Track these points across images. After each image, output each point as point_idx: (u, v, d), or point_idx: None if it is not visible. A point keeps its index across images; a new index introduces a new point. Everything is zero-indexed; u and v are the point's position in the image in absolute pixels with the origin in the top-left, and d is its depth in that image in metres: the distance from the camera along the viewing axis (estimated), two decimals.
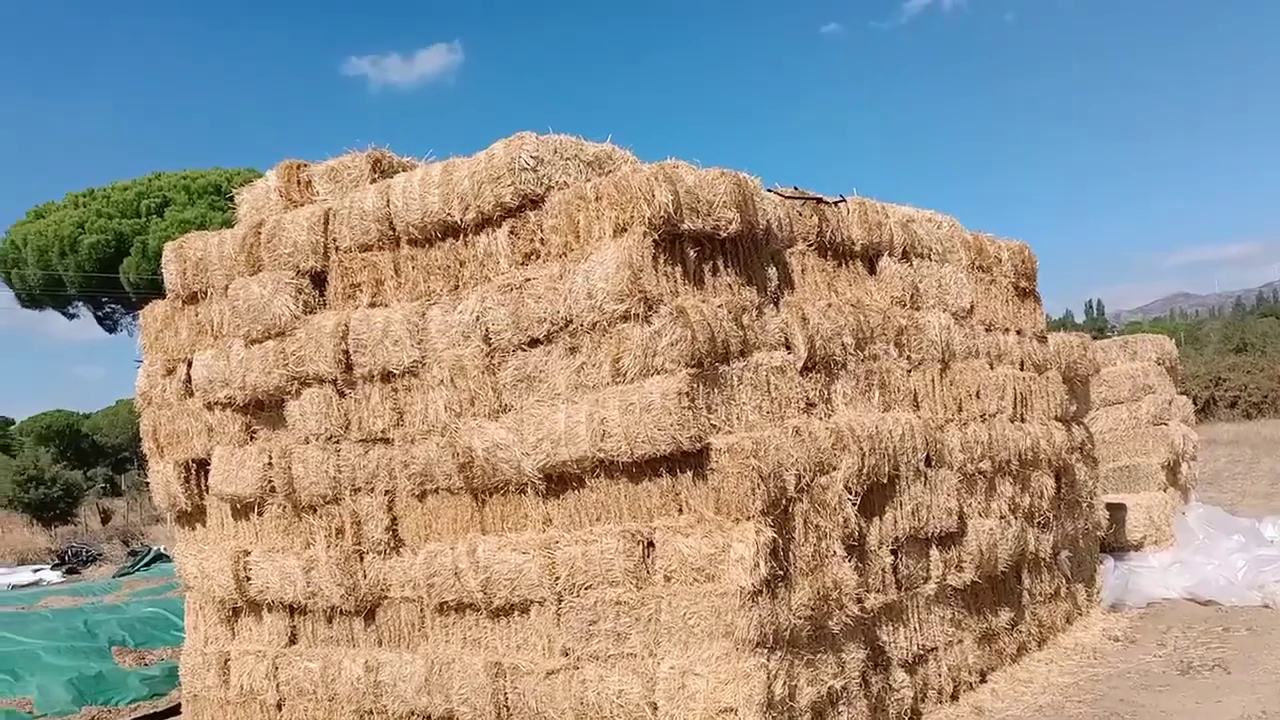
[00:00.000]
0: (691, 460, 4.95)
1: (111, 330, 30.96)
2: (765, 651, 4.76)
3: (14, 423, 46.45)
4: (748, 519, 4.80)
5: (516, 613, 5.50)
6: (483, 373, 5.51)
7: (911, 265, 6.93)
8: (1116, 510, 10.10)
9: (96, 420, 43.23)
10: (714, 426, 4.94)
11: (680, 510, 5.03)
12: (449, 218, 5.68)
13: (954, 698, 6.24)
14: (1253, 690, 5.97)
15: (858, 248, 6.56)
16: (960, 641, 6.42)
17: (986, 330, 7.44)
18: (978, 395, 6.99)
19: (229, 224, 7.11)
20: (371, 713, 6.10)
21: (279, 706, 6.52)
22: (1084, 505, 8.43)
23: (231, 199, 7.25)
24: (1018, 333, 7.86)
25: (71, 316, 30.50)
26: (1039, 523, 7.52)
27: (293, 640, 6.58)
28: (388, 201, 5.94)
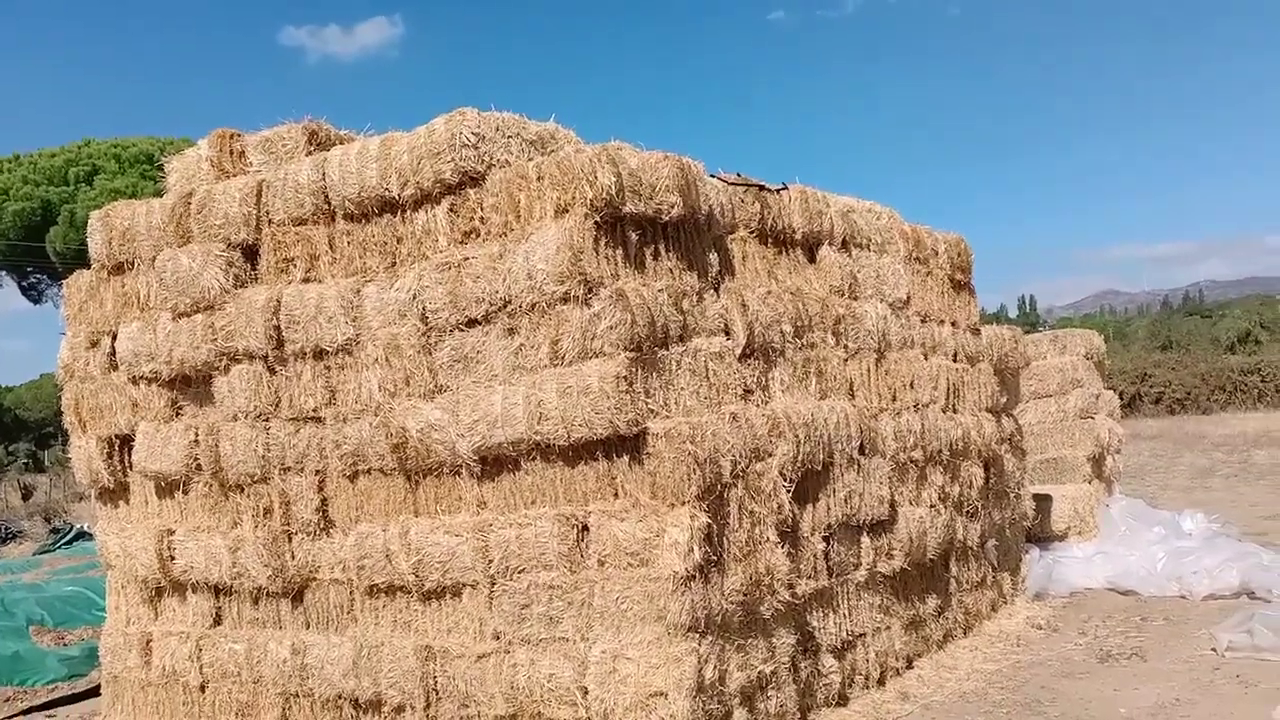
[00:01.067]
0: (628, 445, 4.93)
1: (36, 301, 30.13)
2: (697, 636, 4.77)
3: None
4: (683, 504, 4.80)
5: (448, 596, 5.44)
6: (419, 352, 5.43)
7: (850, 255, 6.97)
8: (1043, 501, 10.32)
9: (19, 394, 42.04)
10: (651, 411, 4.92)
11: (616, 495, 5.02)
12: (387, 193, 5.58)
13: (881, 683, 6.32)
14: (1168, 678, 6.14)
15: (798, 236, 6.58)
16: (888, 628, 6.51)
17: (922, 321, 7.53)
18: (912, 385, 7.07)
19: (160, 194, 6.91)
20: (297, 695, 6.00)
21: (202, 689, 6.39)
22: (1012, 496, 8.59)
23: (163, 168, 7.04)
24: (952, 324, 7.96)
25: None
26: (968, 512, 7.64)
27: (217, 621, 6.45)
28: (324, 175, 5.82)
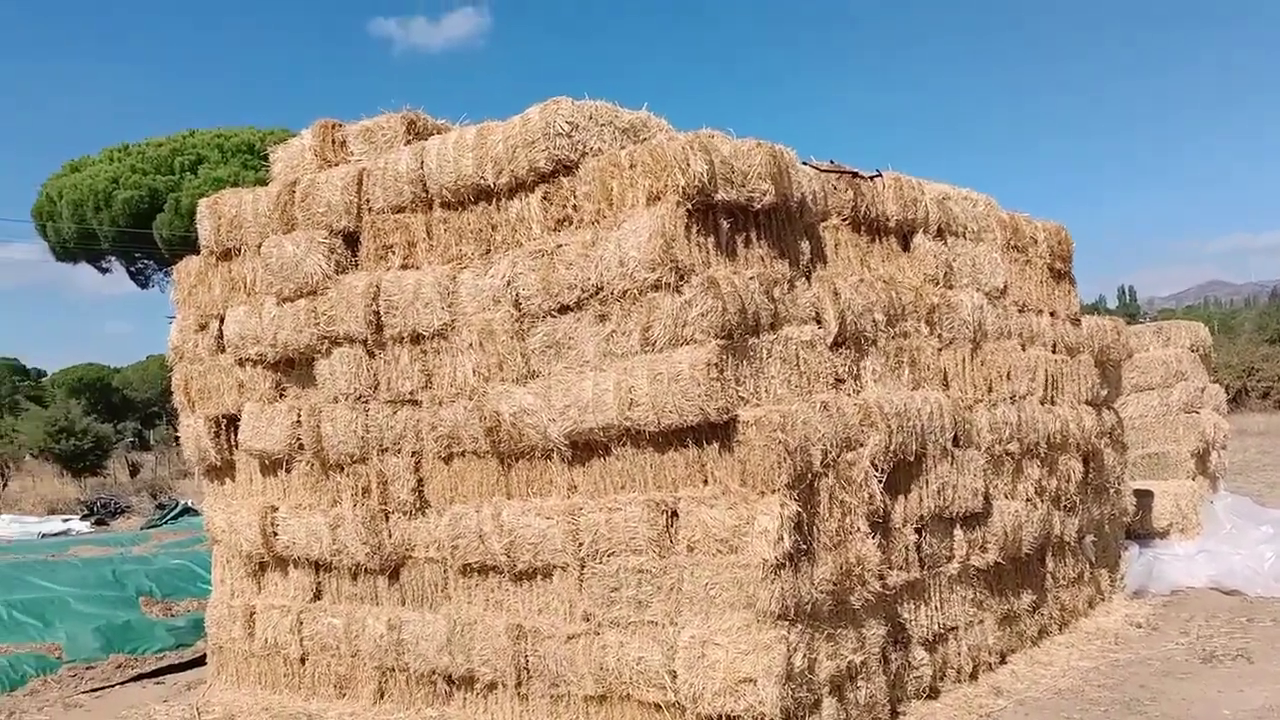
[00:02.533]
0: (718, 432, 4.94)
1: (144, 285, 31.26)
2: (786, 624, 4.77)
3: (46, 374, 47.15)
4: (773, 492, 4.80)
5: (539, 577, 5.53)
6: (512, 338, 5.51)
7: (946, 243, 6.86)
8: (1144, 497, 10.02)
9: (127, 374, 43.77)
10: (742, 399, 4.92)
11: (705, 481, 5.04)
12: (482, 181, 5.67)
13: (973, 677, 6.24)
14: (1276, 680, 5.93)
15: (892, 224, 6.50)
16: (981, 622, 6.41)
17: (1020, 311, 7.37)
18: (1008, 376, 6.93)
19: (261, 182, 7.14)
20: (393, 670, 6.17)
21: (302, 661, 6.62)
22: (1111, 491, 8.37)
23: (264, 157, 7.28)
24: (1051, 314, 7.78)
25: (104, 271, 30.80)
26: (1065, 506, 7.48)
27: (317, 596, 6.66)
28: (422, 163, 5.94)
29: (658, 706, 5.05)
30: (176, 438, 7.71)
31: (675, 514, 5.04)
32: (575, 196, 5.41)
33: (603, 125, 5.48)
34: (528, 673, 5.51)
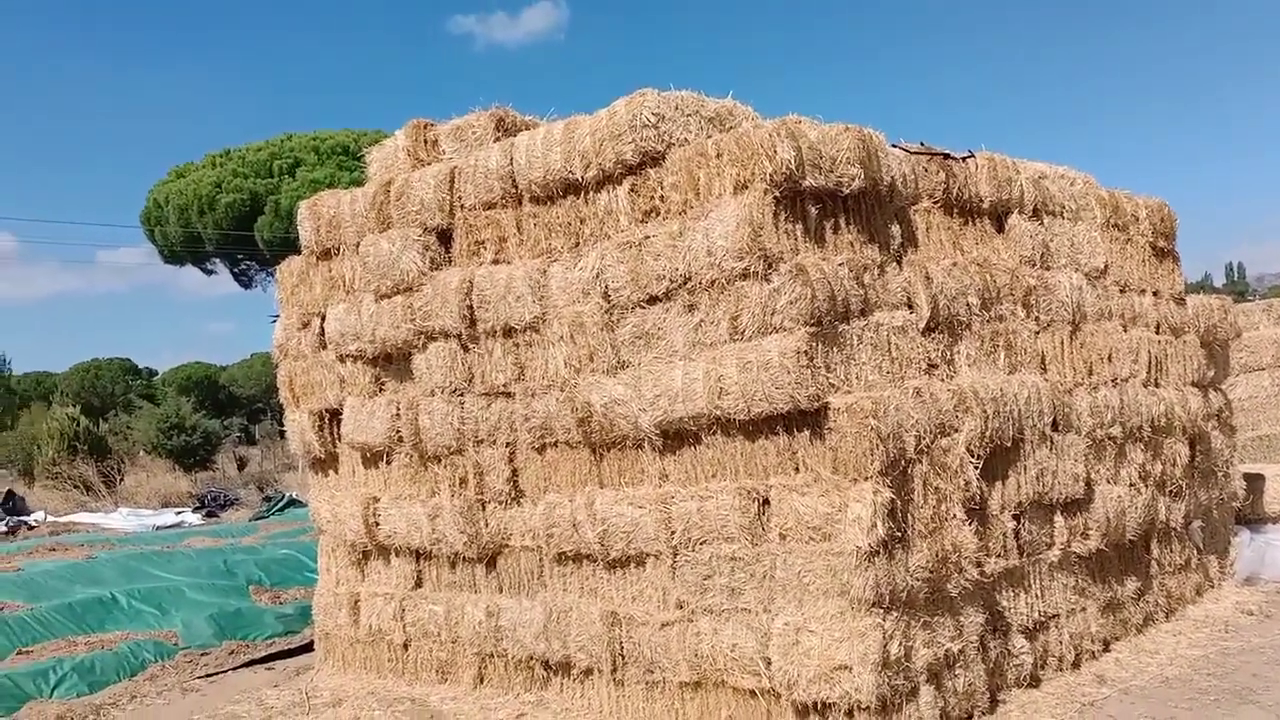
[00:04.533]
0: (809, 419, 4.93)
1: (246, 286, 32.28)
2: (881, 611, 4.75)
3: (156, 374, 49.09)
4: (865, 479, 4.77)
5: (632, 564, 5.60)
6: (602, 329, 5.58)
7: (1042, 223, 6.71)
8: (1254, 481, 9.65)
9: (232, 372, 45.33)
10: (832, 386, 4.90)
11: (796, 469, 5.03)
12: (570, 175, 5.74)
13: (1075, 666, 6.11)
14: None
15: (985, 205, 6.39)
16: (1083, 609, 6.28)
17: (1121, 291, 7.18)
18: (1109, 358, 6.75)
19: (357, 183, 7.34)
20: (492, 656, 6.31)
21: (405, 646, 6.80)
22: (1219, 475, 8.10)
23: (359, 159, 7.48)
24: (1154, 294, 7.55)
25: (209, 272, 31.92)
26: (1170, 491, 7.26)
27: (418, 584, 6.84)
28: (511, 160, 6.04)
29: (753, 693, 5.07)
30: (281, 432, 7.99)
31: (767, 502, 5.05)
32: (662, 187, 5.44)
33: (688, 115, 5.49)
34: (623, 659, 5.58)
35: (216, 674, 7.59)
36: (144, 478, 23.59)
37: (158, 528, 16.44)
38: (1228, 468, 8.29)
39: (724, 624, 5.17)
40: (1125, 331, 7.00)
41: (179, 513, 18.94)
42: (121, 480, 22.52)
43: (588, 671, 5.81)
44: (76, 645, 8.00)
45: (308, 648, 7.92)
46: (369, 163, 7.26)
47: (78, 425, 24.49)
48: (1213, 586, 7.92)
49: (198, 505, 20.33)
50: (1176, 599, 7.36)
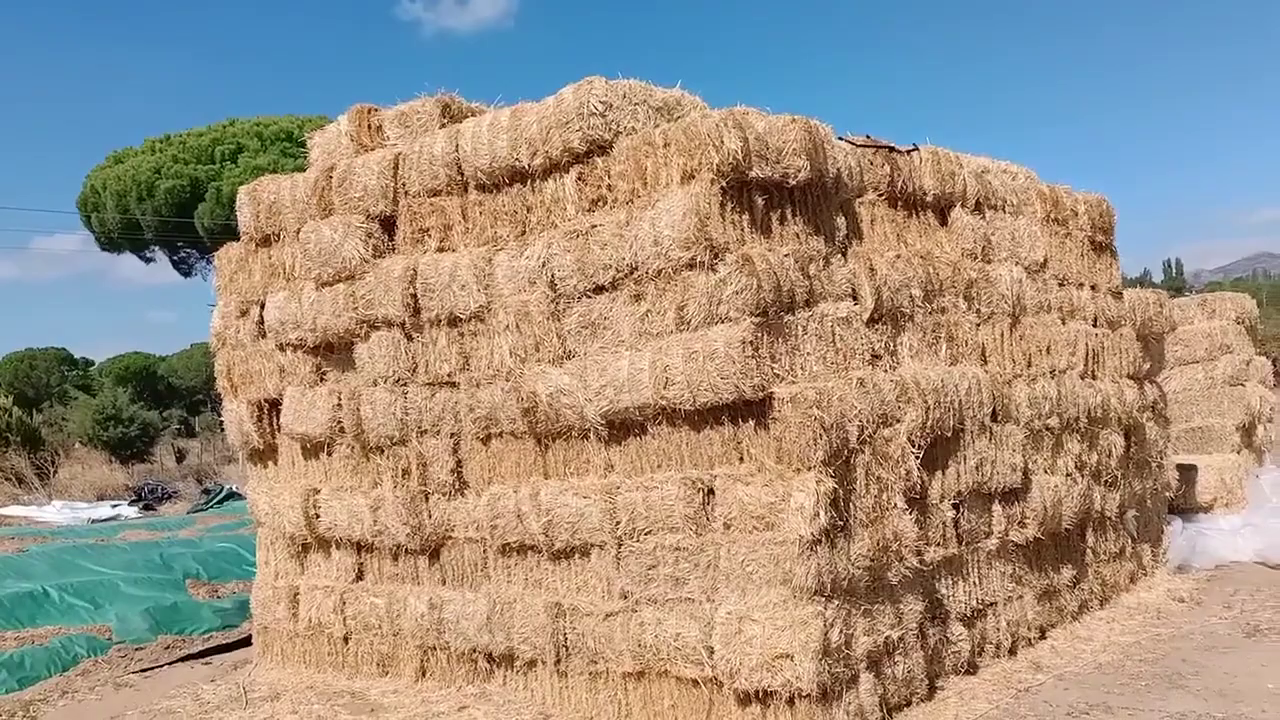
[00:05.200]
0: (754, 409, 4.95)
1: (187, 274, 31.66)
2: (823, 600, 4.78)
3: (93, 364, 48.02)
4: (809, 469, 4.80)
5: (577, 555, 5.58)
6: (548, 319, 5.54)
7: (984, 217, 6.80)
8: (1187, 471, 9.90)
9: (172, 363, 44.46)
10: (777, 376, 4.92)
11: (741, 459, 5.04)
12: (517, 163, 5.70)
13: (1012, 652, 6.21)
14: None
15: (929, 198, 6.45)
16: (1020, 597, 6.38)
17: (1060, 285, 7.29)
18: (1048, 350, 6.87)
19: (300, 170, 7.20)
20: (434, 649, 6.26)
21: (346, 640, 6.72)
22: (1154, 465, 8.29)
23: (303, 145, 7.34)
24: (1092, 288, 7.69)
25: (148, 260, 31.21)
26: (1106, 481, 7.41)
27: (359, 577, 6.76)
28: (456, 146, 5.97)
29: (695, 682, 5.08)
30: (221, 424, 7.85)
31: (711, 492, 5.06)
32: (610, 176, 5.42)
33: (636, 104, 5.47)
34: (567, 650, 5.56)
35: (151, 669, 7.45)
36: (79, 470, 23.09)
37: (93, 521, 16.10)
38: (1161, 458, 8.47)
39: (668, 614, 5.17)
40: (1064, 324, 7.12)
41: (115, 506, 18.57)
42: (56, 473, 22.00)
43: (531, 663, 5.79)
44: (5, 640, 7.80)
45: (246, 642, 7.81)
46: (311, 148, 7.13)
47: (10, 416, 23.87)
48: (1146, 574, 8.10)
49: (134, 498, 19.95)
50: (1111, 587, 7.51)
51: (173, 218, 27.80)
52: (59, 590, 8.68)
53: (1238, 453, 10.92)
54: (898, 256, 5.84)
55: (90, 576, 9.29)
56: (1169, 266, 73.22)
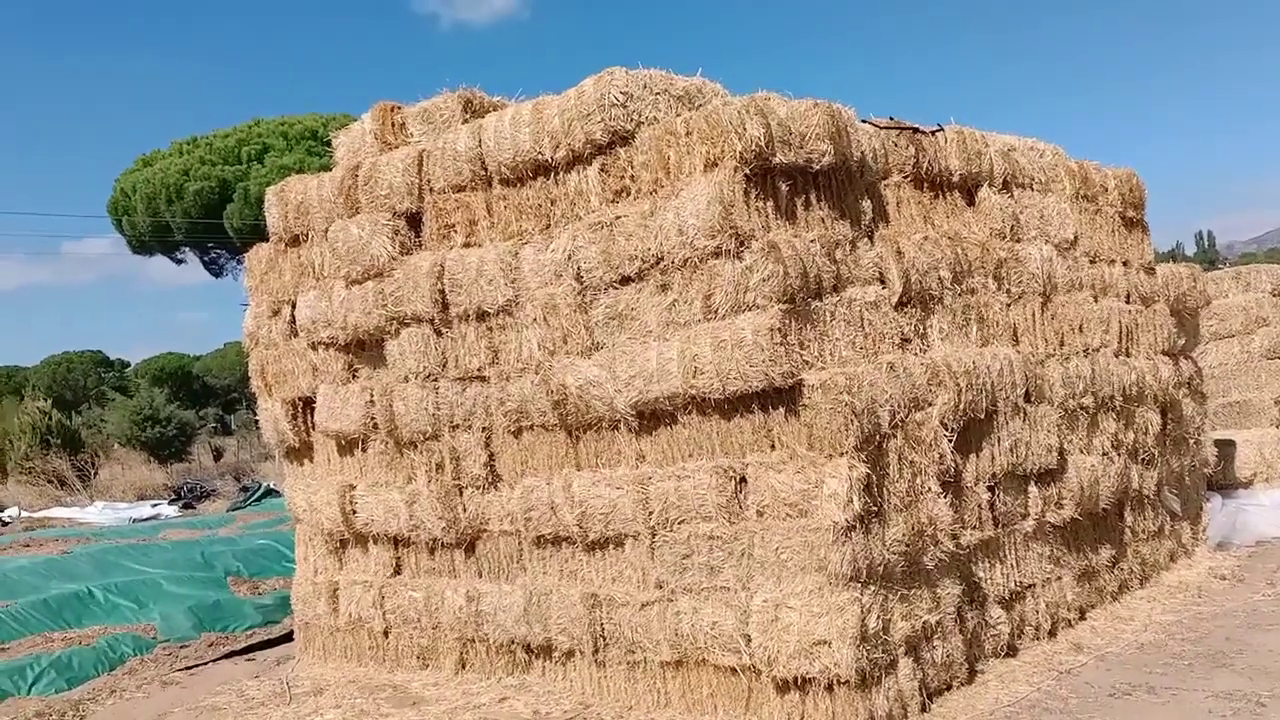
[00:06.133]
0: (784, 396, 4.94)
1: (217, 275, 31.92)
2: (858, 586, 4.77)
3: (129, 365, 48.61)
4: (841, 455, 4.78)
5: (611, 546, 5.60)
6: (575, 311, 5.55)
7: (1012, 196, 6.73)
8: (1225, 447, 9.77)
9: (206, 362, 44.92)
10: (806, 363, 4.91)
11: (773, 446, 5.04)
12: (540, 156, 5.70)
13: (1052, 634, 6.18)
14: None
15: (956, 179, 6.40)
16: (1059, 578, 6.34)
17: (1091, 262, 7.21)
18: (1080, 329, 6.80)
19: (326, 168, 7.25)
20: (473, 640, 6.31)
21: (385, 634, 6.79)
22: (1191, 442, 8.19)
23: (328, 143, 7.39)
24: (1124, 264, 7.60)
25: (179, 261, 31.51)
26: (1143, 459, 7.33)
27: (397, 571, 6.81)
28: (479, 141, 5.99)
29: (733, 670, 5.09)
30: (256, 422, 7.93)
31: (744, 480, 5.06)
32: (633, 167, 5.41)
33: (657, 94, 5.46)
34: (604, 640, 5.58)
35: (196, 666, 7.55)
36: (119, 471, 23.40)
37: (134, 521, 16.33)
38: (1199, 435, 8.37)
39: (703, 603, 5.18)
40: (1096, 302, 7.04)
41: (155, 505, 18.82)
42: (96, 474, 22.32)
43: (569, 654, 5.82)
44: (53, 641, 7.94)
45: (287, 638, 7.89)
46: (336, 147, 7.17)
47: (50, 419, 24.21)
48: (1186, 553, 8.02)
49: (174, 497, 20.22)
50: (1150, 566, 7.44)
51: (202, 219, 28.03)
52: (104, 590, 8.83)
53: (1277, 427, 10.76)
54: (925, 238, 5.80)
55: (134, 576, 9.44)
56: (1201, 239, 72.27)
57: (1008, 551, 5.98)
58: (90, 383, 43.17)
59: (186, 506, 18.93)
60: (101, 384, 43.60)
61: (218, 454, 29.49)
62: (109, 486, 21.71)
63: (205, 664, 7.61)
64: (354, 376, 6.85)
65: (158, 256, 31.36)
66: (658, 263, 5.19)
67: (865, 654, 4.72)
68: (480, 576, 6.34)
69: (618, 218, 5.34)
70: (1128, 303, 7.48)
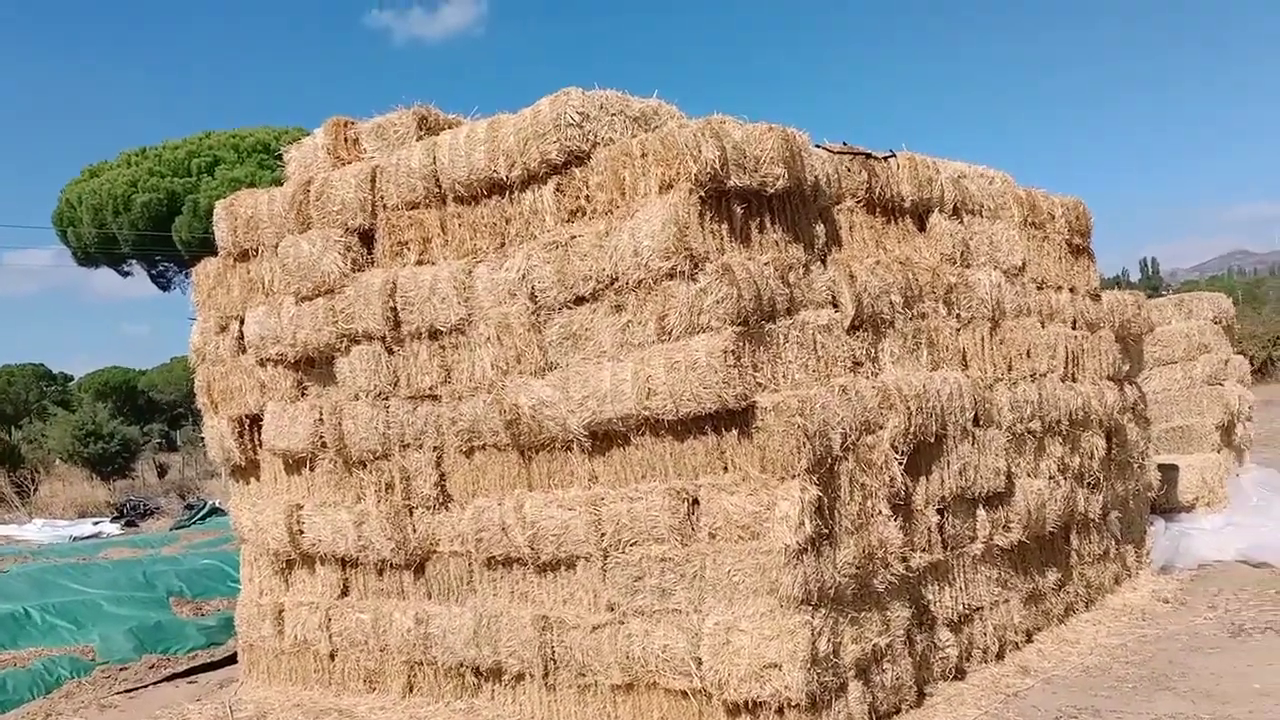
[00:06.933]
0: (737, 418, 4.94)
1: (165, 288, 31.40)
2: (809, 608, 4.78)
3: (72, 379, 47.62)
4: (793, 477, 4.80)
5: (563, 568, 5.56)
6: (529, 330, 5.53)
7: (962, 222, 6.83)
8: (1168, 471, 9.96)
9: (151, 377, 44.13)
10: (760, 385, 4.92)
11: (725, 468, 5.04)
12: (495, 175, 5.68)
13: (999, 657, 6.23)
14: None
15: (907, 204, 6.47)
16: (1007, 601, 6.40)
17: (1038, 288, 7.33)
18: (1028, 354, 6.90)
19: (278, 182, 7.17)
20: (421, 664, 6.22)
21: (332, 656, 6.68)
22: (1135, 466, 8.33)
23: (280, 157, 7.31)
24: (1070, 290, 7.73)
25: (125, 274, 30.96)
26: (1089, 483, 7.44)
27: (344, 592, 6.71)
28: (434, 159, 5.95)
29: (684, 694, 5.07)
30: (202, 439, 7.79)
31: (696, 502, 5.06)
32: (588, 187, 5.41)
33: (613, 115, 5.47)
34: (554, 663, 5.54)
35: (136, 689, 7.38)
36: (59, 487, 22.90)
37: (74, 539, 15.97)
38: (1143, 459, 8.52)
39: (655, 625, 5.16)
40: (1043, 327, 7.15)
41: (97, 523, 18.43)
42: (36, 490, 21.82)
43: (519, 677, 5.76)
44: None
45: (231, 660, 7.74)
46: (287, 161, 7.08)
47: None
48: (1130, 576, 8.14)
49: (116, 515, 19.81)
50: (1096, 589, 7.54)
51: (149, 231, 27.59)
52: (41, 611, 8.59)
53: (1218, 452, 10.99)
54: (877, 263, 5.85)
55: (72, 596, 9.20)
56: (1145, 266, 73.83)
57: (956, 574, 6.02)
58: (31, 396, 42.18)
59: (129, 524, 18.55)
60: (43, 398, 42.61)
61: (162, 471, 28.95)
62: (49, 503, 21.23)
63: (145, 687, 7.44)
64: (303, 394, 6.75)
65: (103, 268, 30.83)
66: (612, 283, 5.19)
67: (816, 677, 4.72)
68: (429, 598, 6.26)
69: (573, 238, 5.33)
70: (1074, 328, 7.61)
